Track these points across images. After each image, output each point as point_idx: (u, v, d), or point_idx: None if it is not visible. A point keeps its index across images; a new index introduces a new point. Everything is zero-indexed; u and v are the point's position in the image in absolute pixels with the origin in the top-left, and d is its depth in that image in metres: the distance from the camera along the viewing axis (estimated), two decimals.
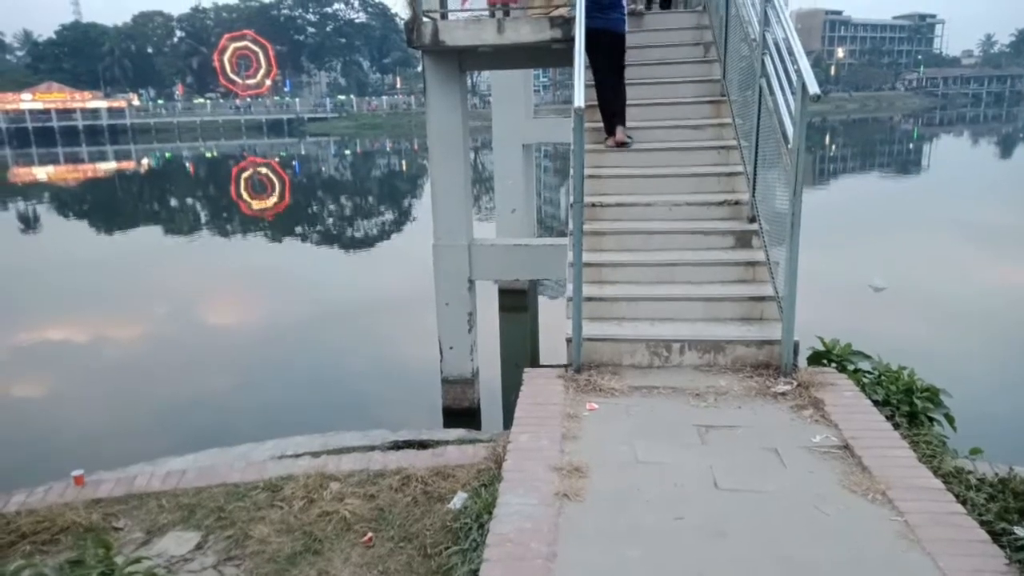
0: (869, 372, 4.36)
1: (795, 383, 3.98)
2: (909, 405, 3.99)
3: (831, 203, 22.75)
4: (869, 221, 19.36)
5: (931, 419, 3.98)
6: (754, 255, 4.80)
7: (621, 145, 5.70)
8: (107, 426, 8.22)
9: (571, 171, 4.24)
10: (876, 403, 3.84)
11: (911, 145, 50.22)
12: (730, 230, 5.01)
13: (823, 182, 29.52)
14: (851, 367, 4.38)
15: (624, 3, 5.85)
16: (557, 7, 6.83)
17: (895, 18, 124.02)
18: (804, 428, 3.52)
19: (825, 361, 4.50)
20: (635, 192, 5.40)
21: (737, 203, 5.15)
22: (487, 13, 7.28)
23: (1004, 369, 8.99)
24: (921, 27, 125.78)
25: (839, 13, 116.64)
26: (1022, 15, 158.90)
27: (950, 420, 4.07)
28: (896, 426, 3.63)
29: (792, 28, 4.33)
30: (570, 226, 4.32)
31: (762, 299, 4.48)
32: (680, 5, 7.53)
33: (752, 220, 4.98)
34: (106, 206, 30.52)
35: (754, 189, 4.96)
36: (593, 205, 5.22)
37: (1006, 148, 45.29)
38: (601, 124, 5.83)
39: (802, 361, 4.28)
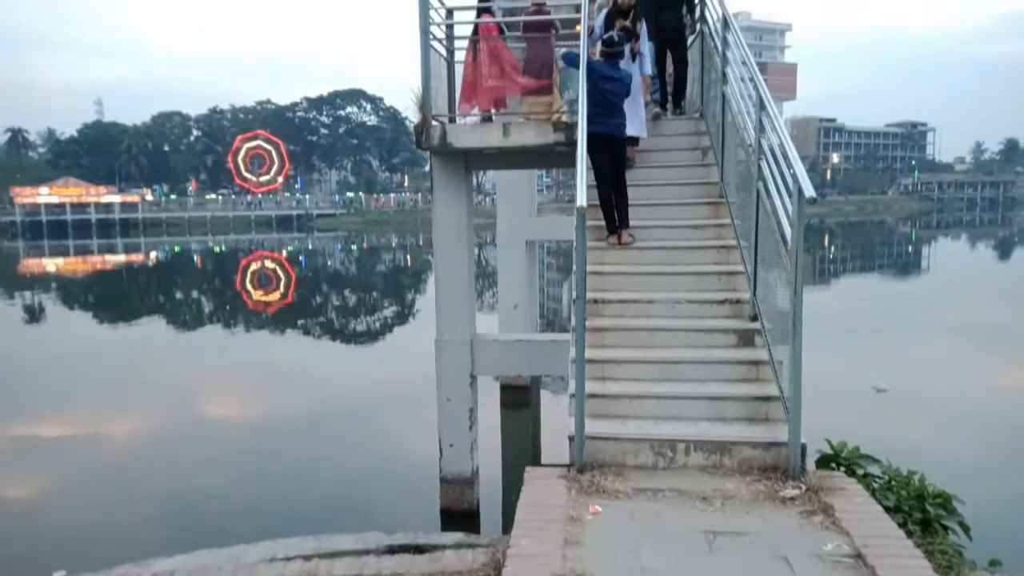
0: (879, 477, 4.24)
1: (804, 487, 3.86)
2: (922, 512, 3.85)
3: (833, 304, 22.85)
4: (871, 322, 19.39)
5: (945, 527, 3.84)
6: (757, 354, 4.78)
7: (624, 244, 5.80)
8: (95, 524, 7.96)
9: (573, 267, 4.29)
10: (887, 509, 3.71)
11: (910, 247, 50.99)
12: (732, 328, 5.01)
13: (824, 282, 29.77)
14: (860, 471, 4.26)
15: (630, 107, 6.08)
16: (555, 113, 7.11)
17: (888, 126, 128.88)
18: (815, 535, 3.39)
19: (833, 465, 4.38)
20: (637, 289, 5.44)
21: (738, 302, 5.17)
22: (489, 118, 7.55)
23: (1016, 475, 8.75)
24: (913, 134, 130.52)
25: (833, 120, 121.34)
26: (1009, 124, 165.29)
27: (965, 529, 3.92)
28: (909, 534, 3.49)
29: (786, 134, 4.49)
30: (572, 322, 4.32)
31: (767, 399, 4.43)
32: (679, 111, 7.82)
33: (754, 319, 4.99)
34: (111, 298, 30.78)
35: (755, 288, 5.00)
36: (595, 301, 5.25)
37: (1004, 251, 45.94)
38: (603, 222, 5.95)
39: (810, 464, 4.17)
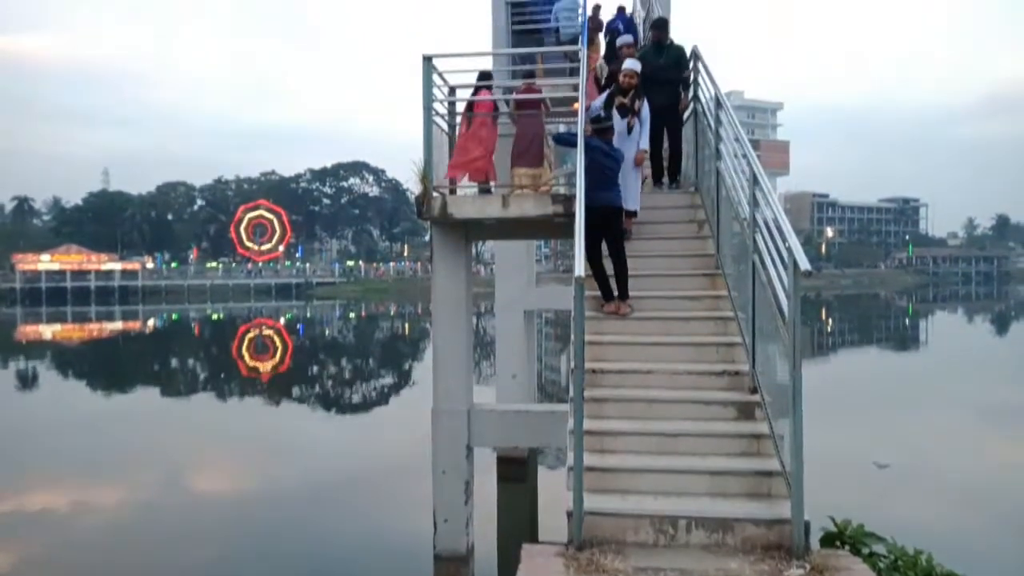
0: (885, 556, 4.11)
1: (808, 567, 3.74)
2: None
3: (833, 377, 22.72)
4: (871, 396, 19.23)
5: None
6: (758, 427, 4.72)
7: (623, 315, 5.81)
8: None
9: (572, 337, 4.29)
10: None
11: (907, 321, 51.10)
12: (732, 401, 4.96)
13: (823, 356, 29.69)
14: (865, 550, 4.14)
15: (624, 181, 6.21)
16: (544, 186, 7.25)
17: (880, 201, 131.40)
18: None
19: (838, 543, 4.26)
20: (636, 359, 5.41)
21: (737, 374, 5.14)
22: (487, 189, 7.70)
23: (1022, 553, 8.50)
24: (906, 209, 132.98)
25: (826, 196, 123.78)
26: (999, 200, 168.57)
27: None
28: None
29: (780, 208, 4.57)
30: (571, 392, 4.28)
31: (769, 474, 4.34)
32: (674, 185, 7.98)
33: (753, 391, 4.95)
34: (104, 366, 30.55)
35: (753, 360, 4.98)
36: (594, 371, 5.22)
37: (1002, 326, 46.03)
38: (599, 293, 5.97)
39: (814, 542, 4.05)
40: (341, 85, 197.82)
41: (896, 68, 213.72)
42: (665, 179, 7.88)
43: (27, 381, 24.88)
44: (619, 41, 8.53)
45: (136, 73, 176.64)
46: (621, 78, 6.92)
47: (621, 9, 10.75)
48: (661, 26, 7.99)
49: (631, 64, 6.94)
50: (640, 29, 10.97)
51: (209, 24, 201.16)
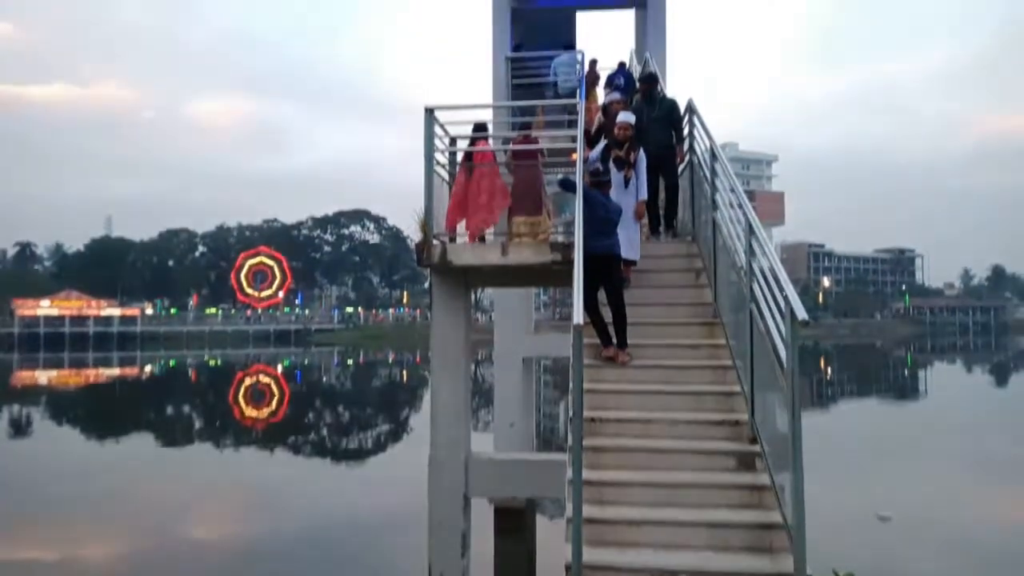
0: None
1: None
2: None
3: (833, 428, 22.52)
4: (872, 447, 19.03)
5: None
6: (758, 478, 4.66)
7: (622, 364, 5.80)
8: None
9: (570, 385, 4.27)
10: None
11: (906, 371, 50.88)
12: (732, 451, 4.91)
13: (823, 406, 29.47)
14: None
15: (623, 231, 6.28)
16: (542, 234, 7.33)
17: (876, 251, 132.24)
18: None
19: None
20: (635, 408, 5.38)
21: (737, 423, 5.11)
22: (482, 237, 7.77)
23: None
24: (902, 260, 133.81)
25: (821, 246, 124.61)
26: (993, 250, 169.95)
27: None
28: None
29: (776, 258, 4.61)
30: (569, 441, 4.25)
31: (770, 527, 4.26)
32: (671, 234, 8.04)
33: (753, 441, 4.91)
34: (99, 412, 30.24)
35: (752, 410, 4.95)
36: (593, 420, 5.18)
37: (1001, 377, 45.82)
38: (598, 340, 5.97)
39: None
40: (345, 135, 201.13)
41: (888, 120, 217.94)
42: (661, 227, 7.94)
43: (19, 427, 24.59)
44: (607, 98, 8.74)
45: (143, 121, 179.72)
46: (616, 131, 7.05)
47: (622, 64, 11.06)
48: (651, 80, 8.17)
49: (626, 117, 7.08)
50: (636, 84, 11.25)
51: (215, 74, 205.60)
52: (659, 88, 8.22)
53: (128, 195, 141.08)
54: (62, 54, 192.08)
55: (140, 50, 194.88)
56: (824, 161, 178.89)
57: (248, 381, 41.96)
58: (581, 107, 7.58)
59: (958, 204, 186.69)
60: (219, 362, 56.91)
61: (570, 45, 11.62)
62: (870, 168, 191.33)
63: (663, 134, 7.67)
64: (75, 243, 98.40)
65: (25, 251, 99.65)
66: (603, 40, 12.91)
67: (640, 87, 8.23)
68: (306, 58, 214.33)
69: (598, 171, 6.24)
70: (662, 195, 7.95)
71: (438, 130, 7.34)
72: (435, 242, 7.20)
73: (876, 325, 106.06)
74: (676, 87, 9.25)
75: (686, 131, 7.81)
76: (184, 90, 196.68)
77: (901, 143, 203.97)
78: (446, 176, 7.72)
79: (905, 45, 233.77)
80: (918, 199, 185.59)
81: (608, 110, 8.38)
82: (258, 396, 34.78)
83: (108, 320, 76.36)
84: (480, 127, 7.81)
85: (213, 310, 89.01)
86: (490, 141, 8.03)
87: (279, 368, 51.35)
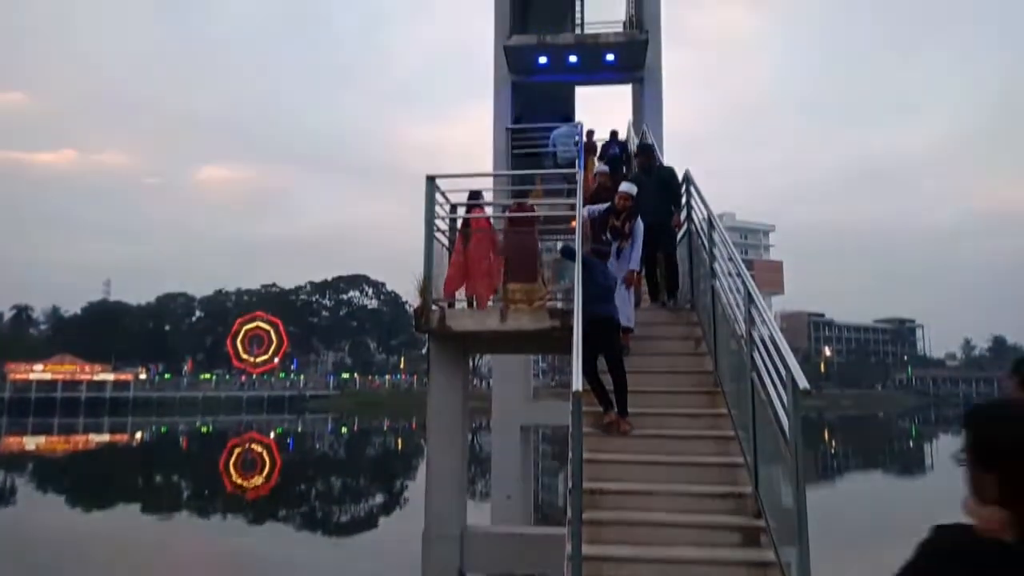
0: None
1: None
2: None
3: (840, 503, 22.01)
4: (879, 522, 18.53)
5: None
6: (763, 555, 4.50)
7: (623, 432, 5.69)
8: None
9: (570, 455, 4.17)
10: None
11: (911, 443, 50.13)
12: (736, 525, 4.76)
13: (829, 479, 28.88)
14: None
15: (617, 299, 6.27)
16: (538, 301, 7.32)
17: (876, 321, 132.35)
18: None
19: None
20: (636, 479, 5.24)
21: (740, 496, 4.97)
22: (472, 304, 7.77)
23: None
24: (902, 330, 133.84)
25: (822, 315, 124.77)
26: (994, 321, 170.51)
27: None
28: None
29: (776, 327, 4.58)
30: (569, 514, 4.11)
31: None
32: (672, 301, 8.02)
33: (758, 515, 4.76)
34: (85, 480, 29.56)
35: (756, 482, 4.83)
36: (592, 492, 5.04)
37: None
38: (600, 408, 5.88)
39: None
40: (347, 200, 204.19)
41: (884, 191, 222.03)
42: (664, 296, 7.91)
43: (4, 495, 23.98)
44: (595, 170, 8.90)
45: (147, 187, 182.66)
46: (616, 200, 7.14)
47: (614, 133, 11.36)
48: (647, 151, 8.33)
49: (626, 187, 7.16)
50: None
51: (218, 140, 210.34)
52: (656, 158, 8.37)
53: (129, 260, 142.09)
54: (72, 121, 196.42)
55: (147, 118, 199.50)
56: (820, 231, 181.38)
57: (240, 449, 41.19)
58: (580, 176, 7.69)
59: (956, 274, 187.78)
60: (211, 429, 56.02)
61: (569, 117, 11.94)
62: (867, 238, 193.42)
63: (660, 203, 7.73)
64: (73, 307, 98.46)
65: (21, 315, 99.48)
66: (601, 111, 13.26)
67: (638, 159, 8.36)
68: (309, 125, 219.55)
69: (600, 239, 6.28)
70: (661, 263, 7.98)
71: (439, 197, 7.44)
72: (434, 307, 7.19)
73: (879, 395, 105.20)
74: (672, 157, 9.43)
75: (683, 199, 7.92)
76: (188, 156, 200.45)
77: (897, 214, 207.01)
78: (446, 242, 7.78)
79: (899, 118, 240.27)
80: (916, 269, 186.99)
81: (594, 179, 8.57)
82: (249, 465, 34.07)
83: (101, 385, 75.58)
84: (475, 195, 7.93)
85: (208, 376, 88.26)
86: (487, 209, 8.13)
87: (272, 436, 50.52)
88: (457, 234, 7.69)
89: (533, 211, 7.76)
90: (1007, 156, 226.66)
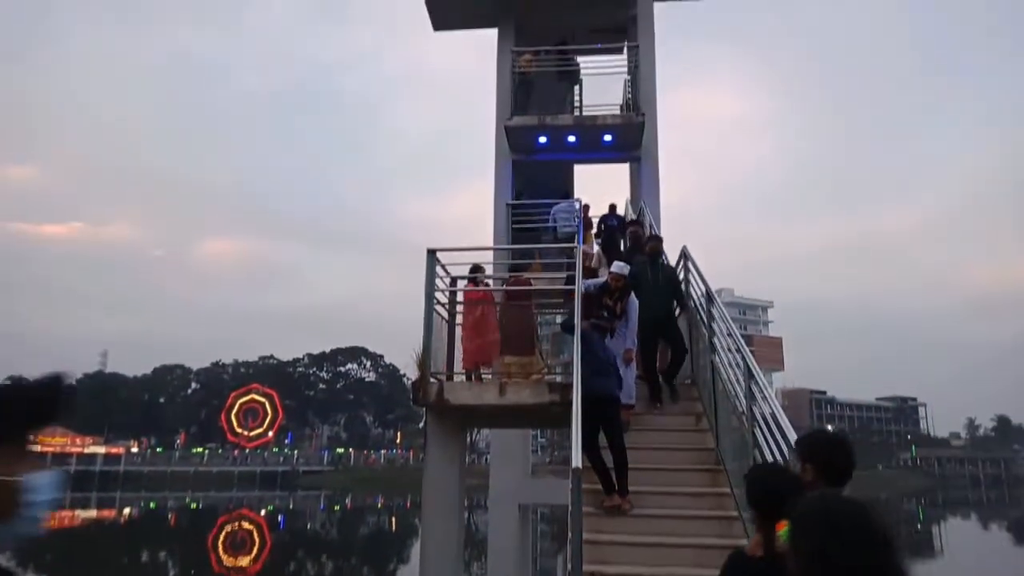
0: None
1: None
2: None
3: None
4: None
5: None
6: None
7: (624, 511, 5.54)
8: None
9: (569, 535, 4.05)
10: None
11: (919, 526, 48.73)
12: None
13: None
14: None
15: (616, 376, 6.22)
16: (537, 374, 7.27)
17: (878, 399, 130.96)
18: None
19: None
20: (637, 562, 5.07)
21: None
22: (479, 376, 7.72)
23: None
24: (905, 408, 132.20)
25: (823, 392, 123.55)
26: (997, 400, 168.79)
27: None
28: None
29: (777, 404, 4.54)
30: None
31: None
32: (673, 399, 7.70)
33: None
34: (68, 559, 28.55)
35: None
36: (593, 575, 4.87)
37: (1020, 534, 43.86)
38: (600, 486, 5.75)
39: None
40: (346, 272, 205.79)
41: (882, 268, 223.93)
42: (665, 395, 7.33)
43: None
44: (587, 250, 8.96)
45: (151, 259, 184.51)
46: (609, 279, 7.13)
47: (613, 206, 11.59)
48: (657, 243, 8.12)
49: (618, 267, 7.17)
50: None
51: (220, 214, 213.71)
52: (664, 252, 8.14)
53: (129, 331, 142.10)
54: (81, 194, 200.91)
55: (156, 191, 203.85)
56: (819, 308, 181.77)
57: (229, 527, 39.98)
58: (579, 252, 7.78)
59: (957, 353, 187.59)
60: (200, 505, 54.54)
61: (568, 194, 12.17)
62: (866, 316, 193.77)
63: (666, 300, 7.57)
64: (69, 378, 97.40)
65: None
66: (600, 188, 13.54)
67: (647, 249, 8.01)
68: (313, 199, 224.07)
69: (600, 315, 6.28)
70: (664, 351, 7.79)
71: (439, 270, 7.50)
72: (432, 380, 7.13)
73: (884, 476, 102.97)
74: (669, 233, 9.54)
75: (684, 292, 7.76)
76: (194, 229, 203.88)
77: (896, 291, 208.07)
78: (445, 315, 7.79)
79: (897, 195, 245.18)
80: (916, 348, 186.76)
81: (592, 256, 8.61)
82: (239, 545, 32.99)
83: (91, 458, 74.10)
84: (477, 268, 8.01)
85: (200, 449, 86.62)
86: (489, 282, 8.19)
87: (263, 513, 49.13)
88: (464, 308, 7.70)
89: (530, 284, 7.81)
90: (1008, 235, 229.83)
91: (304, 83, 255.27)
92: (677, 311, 7.83)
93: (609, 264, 9.82)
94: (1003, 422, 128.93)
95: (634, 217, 10.36)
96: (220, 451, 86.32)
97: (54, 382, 1.08)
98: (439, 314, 7.57)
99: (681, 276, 7.96)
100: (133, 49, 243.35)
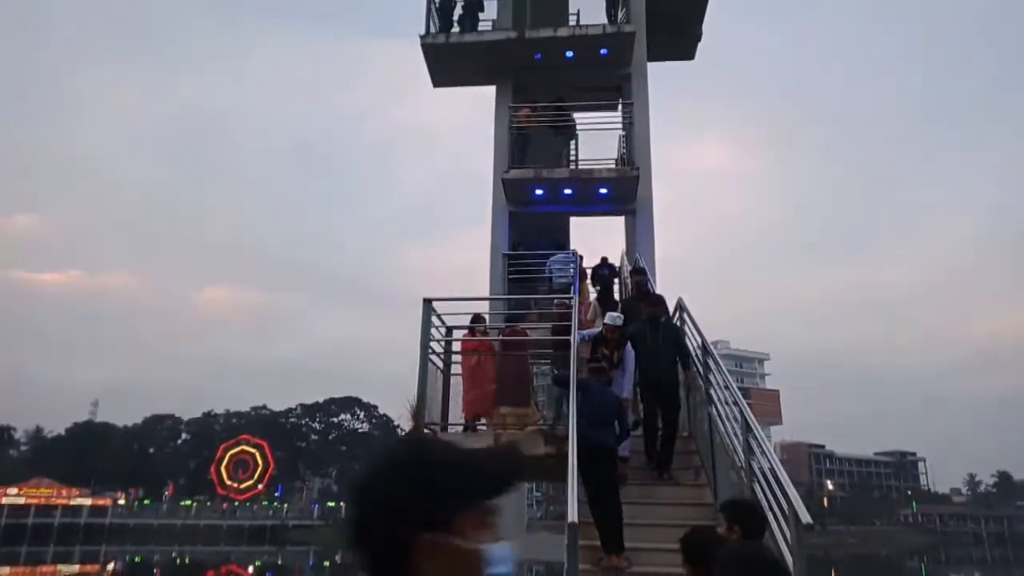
0: None
1: None
2: None
3: None
4: None
5: None
6: None
7: (619, 570, 5.41)
8: None
9: None
10: None
11: None
12: None
13: None
14: None
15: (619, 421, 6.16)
16: (533, 425, 7.20)
17: (877, 454, 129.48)
18: None
19: None
20: None
21: None
22: (474, 427, 7.64)
23: None
24: (904, 463, 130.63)
25: (822, 447, 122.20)
26: (998, 456, 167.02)
27: None
28: None
29: (775, 458, 4.50)
30: None
31: None
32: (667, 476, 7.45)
33: None
34: None
35: None
36: None
37: None
38: (597, 543, 5.63)
39: None
40: (343, 323, 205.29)
41: (878, 323, 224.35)
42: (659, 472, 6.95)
43: None
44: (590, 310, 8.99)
45: (147, 308, 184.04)
46: (604, 331, 7.11)
47: (604, 258, 11.75)
48: (657, 302, 7.85)
49: (612, 318, 7.16)
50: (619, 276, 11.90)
51: (216, 265, 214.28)
52: (667, 310, 7.89)
53: (120, 381, 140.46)
54: (81, 243, 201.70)
55: (157, 240, 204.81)
56: (815, 361, 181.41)
57: None
58: (575, 302, 7.80)
59: (956, 406, 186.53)
60: (188, 560, 53.10)
61: (564, 245, 12.28)
62: (864, 369, 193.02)
63: (670, 363, 7.02)
64: (59, 427, 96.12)
65: (2, 435, 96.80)
66: (595, 239, 13.67)
67: (645, 315, 7.42)
68: (310, 249, 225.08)
69: (598, 359, 6.24)
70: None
71: (435, 320, 7.50)
72: (426, 431, 7.05)
73: (886, 532, 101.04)
74: (665, 284, 9.59)
75: (689, 357, 7.30)
76: (192, 279, 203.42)
77: (894, 344, 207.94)
78: (440, 364, 7.75)
79: (894, 248, 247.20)
80: (914, 401, 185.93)
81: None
82: None
83: (77, 510, 72.32)
84: (478, 318, 8.01)
85: (188, 502, 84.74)
86: (487, 332, 8.19)
87: (250, 569, 47.81)
88: (463, 357, 7.67)
89: (526, 335, 7.79)
90: (1007, 288, 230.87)
91: (307, 136, 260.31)
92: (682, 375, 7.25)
93: (604, 314, 9.81)
94: (1004, 478, 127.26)
95: (631, 267, 10.41)
96: (209, 503, 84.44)
97: (517, 452, 1.10)
98: (434, 364, 7.53)
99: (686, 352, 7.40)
100: (138, 103, 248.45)
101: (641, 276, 8.62)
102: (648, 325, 7.26)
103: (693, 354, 7.21)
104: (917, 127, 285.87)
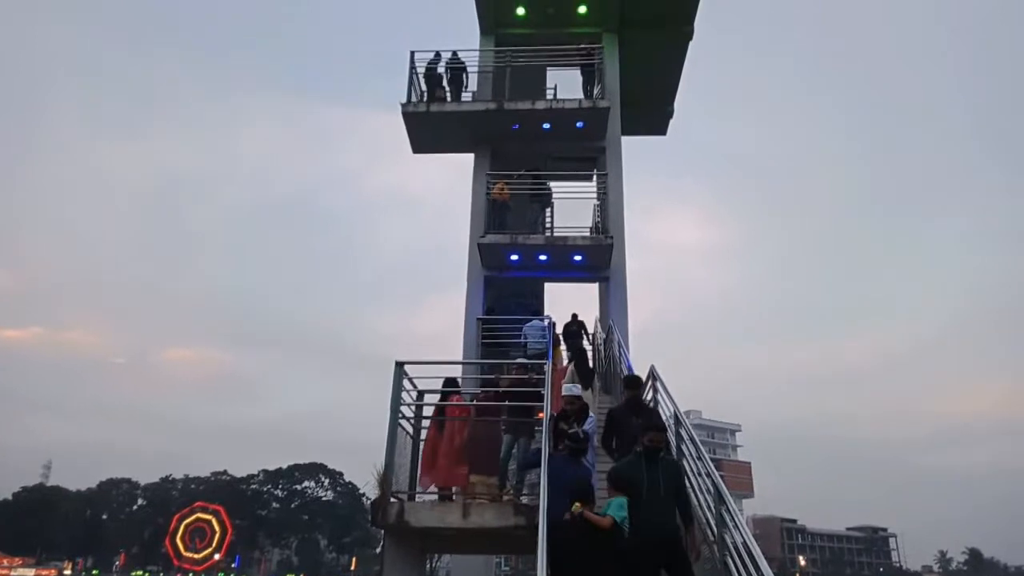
0: None
1: None
2: None
3: None
4: None
5: None
6: None
7: None
8: None
9: None
10: None
11: None
12: None
13: None
14: None
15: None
16: (506, 492, 7.03)
17: (848, 529, 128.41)
18: None
19: None
20: None
21: None
22: (449, 496, 7.43)
23: None
24: (876, 539, 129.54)
25: (794, 521, 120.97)
26: (968, 532, 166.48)
27: None
28: None
29: (749, 532, 4.43)
30: None
31: None
32: None
33: None
34: None
35: None
36: None
37: None
38: None
39: None
40: (311, 387, 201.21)
41: (852, 394, 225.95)
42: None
43: None
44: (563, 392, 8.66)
45: (112, 367, 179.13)
46: (564, 403, 6.89)
47: (575, 315, 11.84)
48: (658, 428, 5.98)
49: (569, 388, 7.10)
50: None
51: (185, 324, 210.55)
52: (668, 440, 6.44)
53: (77, 442, 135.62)
54: (45, 300, 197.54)
55: (122, 298, 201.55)
56: (786, 434, 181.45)
57: None
58: (549, 368, 7.77)
59: (924, 483, 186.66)
60: None
61: (538, 310, 12.34)
62: (834, 442, 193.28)
63: (670, 512, 5.27)
64: (5, 491, 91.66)
65: None
66: (569, 305, 13.75)
67: (647, 441, 5.60)
68: (280, 311, 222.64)
69: (577, 437, 6.05)
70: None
71: (406, 383, 7.39)
72: (393, 500, 6.84)
73: None
74: (637, 352, 9.59)
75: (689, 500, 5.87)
76: (157, 338, 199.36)
77: (864, 418, 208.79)
78: (410, 429, 7.59)
79: (863, 324, 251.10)
80: (885, 475, 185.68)
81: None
82: None
83: None
84: (451, 382, 7.89)
85: (140, 573, 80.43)
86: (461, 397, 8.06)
87: None
88: (430, 423, 7.49)
89: (501, 400, 7.68)
90: (977, 364, 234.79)
91: (286, 200, 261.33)
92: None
93: (580, 379, 9.75)
94: (975, 555, 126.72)
95: (623, 378, 9.09)
96: (161, 574, 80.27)
97: None
98: (404, 429, 7.38)
99: (649, 396, 7.63)
100: (115, 162, 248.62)
101: (635, 391, 7.12)
102: (645, 457, 5.51)
103: (665, 423, 6.78)
104: (889, 207, 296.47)
